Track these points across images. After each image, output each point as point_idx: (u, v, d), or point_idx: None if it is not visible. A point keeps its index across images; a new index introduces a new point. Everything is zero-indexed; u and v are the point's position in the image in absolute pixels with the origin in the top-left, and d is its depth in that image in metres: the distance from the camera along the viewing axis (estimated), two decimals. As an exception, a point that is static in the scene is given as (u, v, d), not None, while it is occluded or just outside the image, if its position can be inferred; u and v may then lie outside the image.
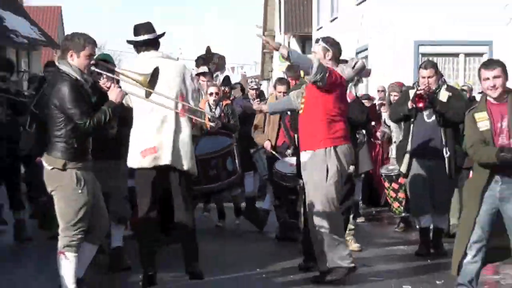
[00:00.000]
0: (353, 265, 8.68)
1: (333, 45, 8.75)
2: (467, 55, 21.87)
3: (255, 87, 14.12)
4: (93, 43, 7.15)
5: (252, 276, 9.21)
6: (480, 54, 22.18)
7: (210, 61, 11.87)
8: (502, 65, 7.37)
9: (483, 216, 7.31)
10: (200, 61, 12.01)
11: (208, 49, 12.34)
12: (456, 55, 21.96)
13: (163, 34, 8.45)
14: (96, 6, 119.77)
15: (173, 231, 9.09)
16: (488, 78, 7.26)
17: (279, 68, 34.25)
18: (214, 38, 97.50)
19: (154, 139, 7.92)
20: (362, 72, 9.55)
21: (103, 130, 7.70)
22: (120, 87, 7.52)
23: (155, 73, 7.23)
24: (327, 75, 8.16)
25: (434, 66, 10.44)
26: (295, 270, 9.31)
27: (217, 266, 9.56)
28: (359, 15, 26.11)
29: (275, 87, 12.05)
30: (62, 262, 6.99)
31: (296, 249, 10.39)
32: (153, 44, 8.29)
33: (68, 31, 56.53)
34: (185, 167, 8.04)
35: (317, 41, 8.99)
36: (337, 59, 8.76)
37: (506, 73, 7.36)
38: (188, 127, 8.13)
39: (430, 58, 15.72)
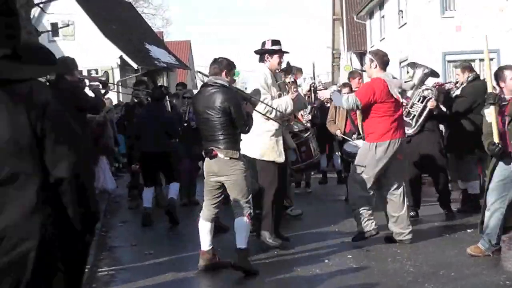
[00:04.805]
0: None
1: (377, 55, 7.82)
2: (480, 60, 20.67)
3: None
4: (235, 66, 6.82)
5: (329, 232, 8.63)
6: (491, 59, 21.10)
7: (290, 72, 11.26)
8: None
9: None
10: (282, 72, 11.40)
11: (288, 63, 11.75)
12: (472, 60, 20.77)
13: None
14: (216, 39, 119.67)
15: None
16: None
17: (344, 74, 33.74)
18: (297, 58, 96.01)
19: None
20: None
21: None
22: None
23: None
24: None
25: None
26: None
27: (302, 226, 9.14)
28: (400, 35, 25.46)
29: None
30: (247, 223, 6.51)
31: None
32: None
33: (195, 58, 57.08)
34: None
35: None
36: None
37: None
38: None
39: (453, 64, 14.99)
